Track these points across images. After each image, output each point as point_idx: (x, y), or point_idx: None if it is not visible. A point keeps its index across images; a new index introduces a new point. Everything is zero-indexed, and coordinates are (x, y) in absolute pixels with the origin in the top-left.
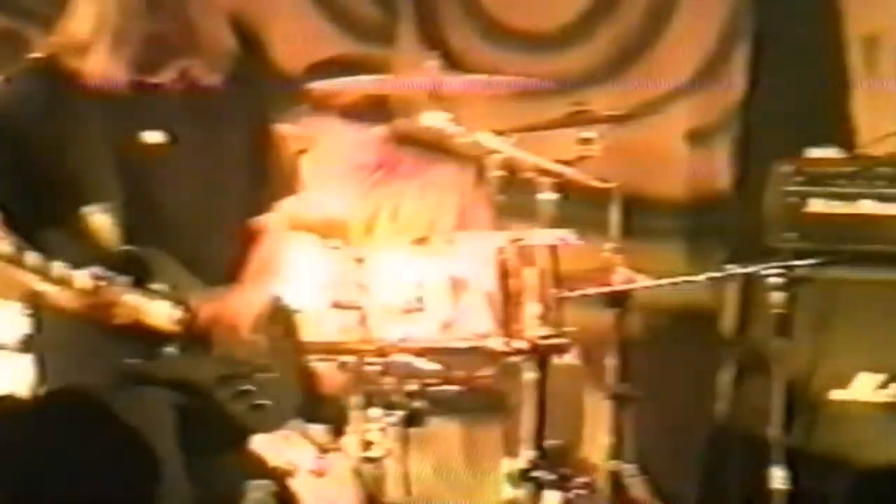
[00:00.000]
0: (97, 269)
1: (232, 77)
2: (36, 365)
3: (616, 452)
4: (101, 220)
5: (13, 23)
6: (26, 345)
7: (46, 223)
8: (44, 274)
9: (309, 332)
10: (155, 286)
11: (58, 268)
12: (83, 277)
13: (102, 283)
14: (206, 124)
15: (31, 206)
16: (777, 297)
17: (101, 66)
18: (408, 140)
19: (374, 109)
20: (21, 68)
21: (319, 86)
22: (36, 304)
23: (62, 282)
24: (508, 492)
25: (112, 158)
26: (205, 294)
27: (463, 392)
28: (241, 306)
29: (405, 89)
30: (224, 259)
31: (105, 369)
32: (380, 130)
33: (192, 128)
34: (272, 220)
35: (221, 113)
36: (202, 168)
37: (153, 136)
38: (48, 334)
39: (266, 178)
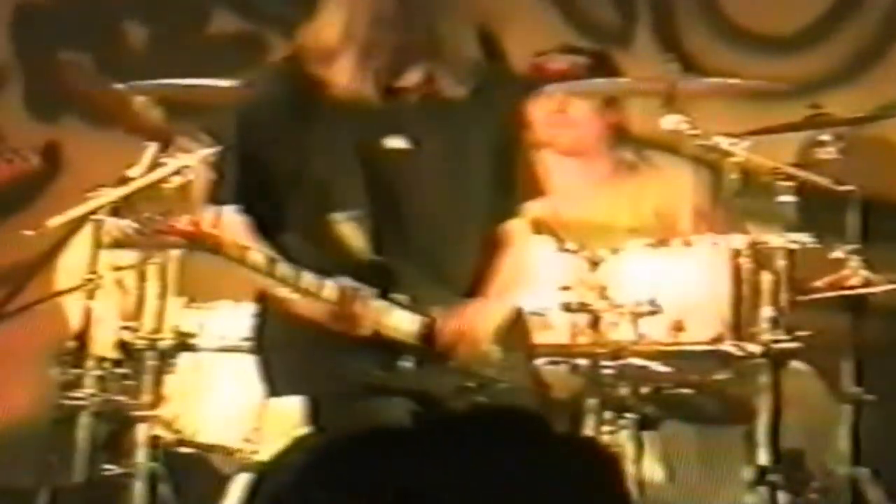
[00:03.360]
0: (345, 280)
1: (476, 83)
2: (262, 368)
3: (852, 457)
4: (348, 228)
5: (253, 26)
6: (253, 347)
7: (292, 230)
8: (293, 284)
9: (542, 335)
10: (397, 296)
11: (307, 278)
12: (331, 288)
13: (350, 295)
14: (449, 131)
15: (277, 211)
16: None
17: (347, 73)
18: (642, 141)
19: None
20: (265, 72)
21: (555, 89)
22: (265, 307)
23: (310, 292)
24: (745, 497)
25: (357, 165)
26: (447, 305)
27: (697, 396)
28: (483, 318)
29: (642, 91)
30: (468, 268)
31: (339, 379)
32: (592, 110)
33: (435, 134)
34: (517, 227)
35: (466, 119)
36: (446, 175)
37: (397, 143)
38: (276, 338)
39: (512, 184)
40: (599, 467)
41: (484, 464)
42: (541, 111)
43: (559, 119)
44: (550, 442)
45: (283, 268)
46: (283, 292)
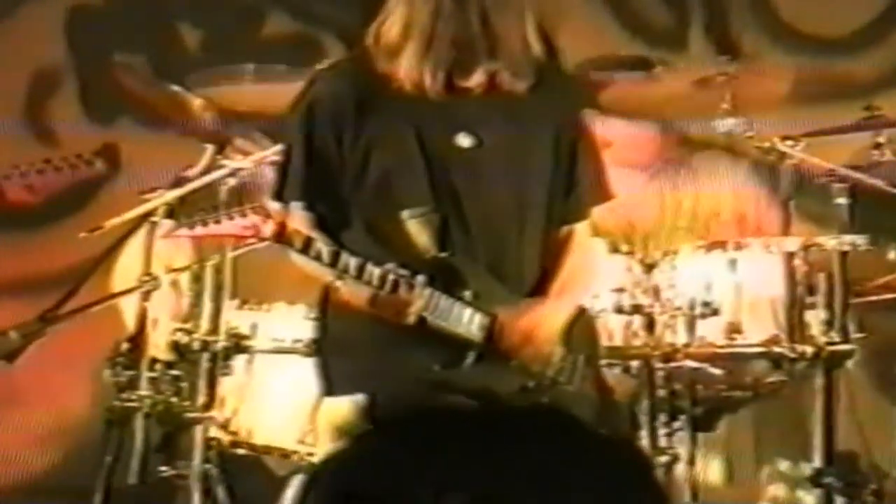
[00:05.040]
0: (391, 267)
1: (537, 81)
2: (320, 369)
3: None
4: (413, 226)
5: (307, 28)
6: (311, 349)
7: (355, 226)
8: (353, 275)
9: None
10: (462, 294)
11: (370, 272)
12: (375, 274)
13: (394, 280)
14: (512, 128)
15: (341, 209)
16: None
17: (411, 69)
18: (698, 144)
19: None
20: (329, 70)
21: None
22: (324, 308)
23: (363, 280)
24: (800, 498)
25: (421, 162)
26: (511, 304)
27: (751, 397)
28: (546, 319)
29: (696, 95)
30: (532, 268)
31: (401, 377)
32: (662, 130)
33: (498, 132)
34: (579, 229)
35: (528, 118)
36: (509, 173)
37: (462, 140)
38: (335, 339)
39: (575, 186)
40: (635, 469)
41: (523, 463)
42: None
43: (635, 141)
44: (586, 442)
45: (346, 258)
46: (342, 285)
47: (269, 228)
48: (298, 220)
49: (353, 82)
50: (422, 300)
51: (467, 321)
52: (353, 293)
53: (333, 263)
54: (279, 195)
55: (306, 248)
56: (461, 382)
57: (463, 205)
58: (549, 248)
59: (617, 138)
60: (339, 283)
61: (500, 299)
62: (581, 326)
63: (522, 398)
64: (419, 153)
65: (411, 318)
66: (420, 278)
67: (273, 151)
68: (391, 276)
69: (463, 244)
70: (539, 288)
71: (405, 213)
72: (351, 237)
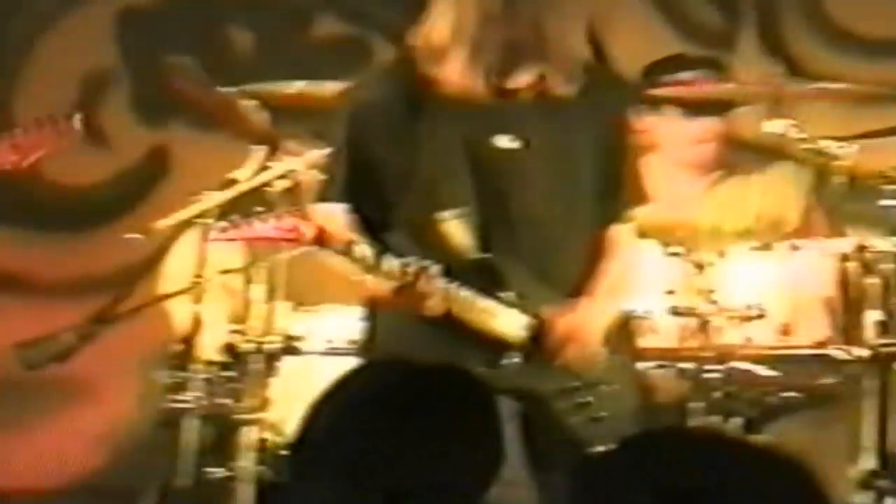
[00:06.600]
0: (410, 259)
1: (584, 83)
2: None
3: None
4: (455, 227)
5: (357, 30)
6: (359, 350)
7: (399, 228)
8: (392, 274)
9: (649, 338)
10: (503, 294)
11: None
12: (393, 264)
13: (413, 271)
14: (557, 131)
15: (385, 210)
16: None
17: (458, 72)
18: (749, 145)
19: (711, 106)
20: (375, 72)
21: (663, 92)
22: (373, 310)
23: (391, 275)
24: (852, 500)
25: (466, 164)
26: (554, 305)
27: (804, 399)
28: (591, 320)
29: (747, 95)
30: (575, 269)
31: None
32: (717, 127)
33: (544, 134)
34: (623, 231)
35: (574, 120)
36: (553, 175)
37: (507, 142)
38: (383, 340)
39: (618, 188)
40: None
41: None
42: (666, 129)
43: (688, 140)
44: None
45: (389, 260)
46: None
47: (309, 231)
48: (341, 222)
49: (399, 84)
50: (440, 291)
51: (510, 322)
52: (377, 286)
53: (376, 266)
54: (323, 197)
55: (348, 250)
56: (503, 382)
57: (508, 206)
58: (594, 249)
59: (672, 138)
60: (365, 278)
61: (543, 300)
62: (623, 329)
63: (564, 399)
64: (464, 155)
65: (431, 311)
66: (435, 268)
67: (321, 153)
68: (411, 268)
69: (506, 245)
70: (583, 289)
71: (444, 213)
72: (394, 239)
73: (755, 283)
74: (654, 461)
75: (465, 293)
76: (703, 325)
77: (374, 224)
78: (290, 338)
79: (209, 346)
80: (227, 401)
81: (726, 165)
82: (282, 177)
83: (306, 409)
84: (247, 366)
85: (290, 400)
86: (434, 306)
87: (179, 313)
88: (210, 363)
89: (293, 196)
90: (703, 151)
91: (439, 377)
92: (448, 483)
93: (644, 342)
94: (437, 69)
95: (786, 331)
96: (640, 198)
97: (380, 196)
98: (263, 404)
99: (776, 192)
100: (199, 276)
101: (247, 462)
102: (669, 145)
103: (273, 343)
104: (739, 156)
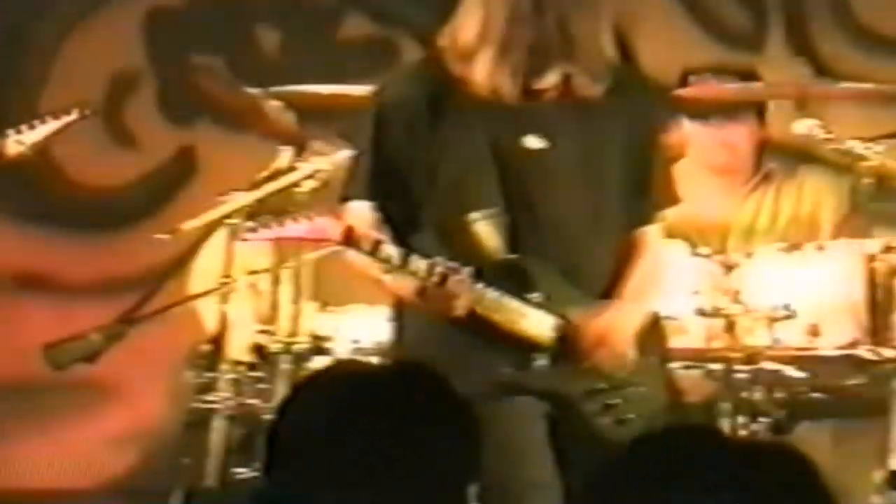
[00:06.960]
0: (438, 259)
1: (611, 83)
2: None
3: None
4: (483, 228)
5: (385, 31)
6: (387, 351)
7: (425, 228)
8: (420, 276)
9: (677, 339)
10: (532, 295)
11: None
12: (419, 264)
13: (440, 271)
14: (585, 132)
15: (412, 210)
16: None
17: (487, 72)
18: (777, 146)
19: (743, 111)
20: (402, 72)
21: (690, 92)
22: (400, 311)
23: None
24: (881, 500)
25: (492, 164)
26: (583, 306)
27: (832, 400)
28: (620, 322)
29: (775, 96)
30: (603, 271)
31: (472, 378)
32: (748, 132)
33: (571, 135)
34: (652, 233)
35: (601, 120)
36: (581, 176)
37: (534, 143)
38: (410, 341)
39: (646, 190)
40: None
41: None
42: (699, 136)
43: (720, 145)
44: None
45: (416, 260)
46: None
47: (336, 231)
48: (369, 222)
49: (426, 84)
50: (468, 292)
51: (539, 323)
52: (400, 286)
53: (403, 266)
54: (349, 195)
55: (375, 250)
56: (532, 384)
57: (535, 207)
58: (623, 250)
59: (701, 142)
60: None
61: (571, 302)
62: (653, 330)
63: (593, 400)
64: (491, 156)
65: (458, 312)
66: (466, 270)
67: (349, 153)
68: (439, 269)
69: (535, 247)
70: (612, 291)
71: (474, 215)
72: (421, 239)
73: (783, 284)
74: (656, 462)
75: (493, 294)
76: (731, 326)
77: (400, 224)
78: (317, 338)
79: (237, 347)
80: (256, 401)
81: (757, 170)
82: (309, 177)
83: (277, 408)
84: (275, 366)
85: None
86: (461, 307)
87: (207, 314)
88: (238, 363)
89: (321, 196)
90: (733, 155)
91: (404, 377)
92: (415, 483)
93: (672, 343)
94: (464, 69)
95: (814, 332)
96: (670, 199)
97: (406, 196)
98: None
99: (811, 199)
100: (227, 276)
101: None
102: (699, 148)
103: (301, 343)
104: (770, 159)
